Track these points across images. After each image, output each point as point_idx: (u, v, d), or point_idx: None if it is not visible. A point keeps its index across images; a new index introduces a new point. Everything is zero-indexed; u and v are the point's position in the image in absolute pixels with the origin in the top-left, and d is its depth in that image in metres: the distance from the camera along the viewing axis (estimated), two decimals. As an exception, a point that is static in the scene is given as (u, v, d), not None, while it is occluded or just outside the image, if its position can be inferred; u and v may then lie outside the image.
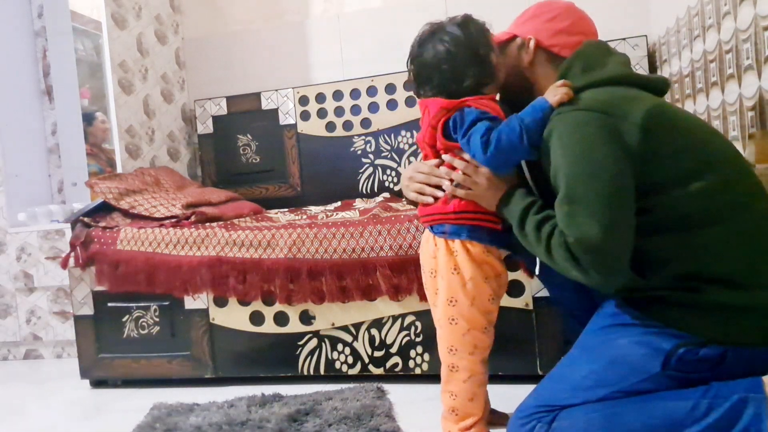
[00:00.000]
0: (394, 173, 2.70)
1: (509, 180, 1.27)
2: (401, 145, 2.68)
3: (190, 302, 2.00)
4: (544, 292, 1.71)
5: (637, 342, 1.09)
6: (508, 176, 1.27)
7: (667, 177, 1.07)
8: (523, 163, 1.32)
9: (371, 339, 1.86)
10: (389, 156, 2.69)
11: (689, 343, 1.04)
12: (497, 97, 1.35)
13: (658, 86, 1.21)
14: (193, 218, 2.11)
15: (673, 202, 1.07)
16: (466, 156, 1.27)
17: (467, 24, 1.29)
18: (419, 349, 1.82)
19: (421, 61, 1.31)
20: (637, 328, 1.10)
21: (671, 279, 1.08)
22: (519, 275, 1.72)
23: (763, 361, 1.03)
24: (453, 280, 1.29)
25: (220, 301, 1.98)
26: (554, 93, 1.16)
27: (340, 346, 1.89)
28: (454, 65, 1.26)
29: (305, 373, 1.91)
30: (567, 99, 1.15)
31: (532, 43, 1.28)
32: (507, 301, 1.71)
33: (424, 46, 1.31)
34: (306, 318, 1.91)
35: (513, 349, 1.74)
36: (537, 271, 1.32)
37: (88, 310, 2.09)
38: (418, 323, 1.82)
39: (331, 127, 2.78)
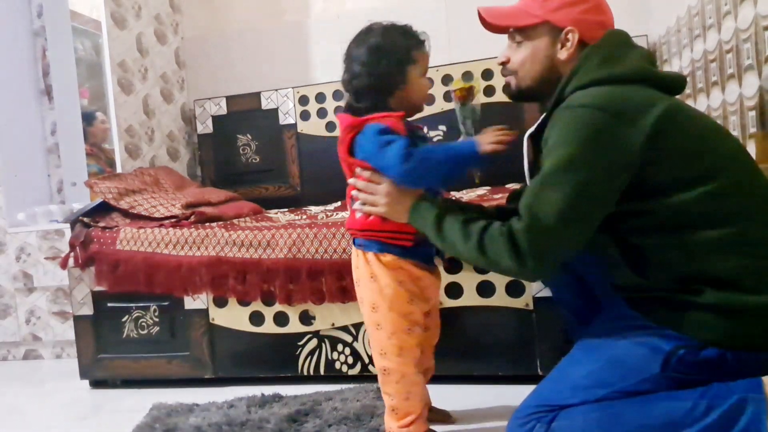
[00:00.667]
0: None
1: (412, 193, 1.27)
2: (401, 145, 2.68)
3: (190, 302, 2.00)
4: (545, 293, 1.71)
5: (637, 343, 1.09)
6: (412, 190, 1.28)
7: (673, 180, 1.06)
8: (525, 167, 1.30)
9: (371, 339, 1.86)
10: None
11: (689, 345, 1.04)
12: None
13: (676, 85, 1.17)
14: (192, 218, 2.10)
15: (678, 204, 1.06)
16: (366, 174, 1.30)
17: (390, 35, 1.34)
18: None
19: (345, 53, 1.37)
20: (638, 329, 1.10)
21: (673, 280, 1.08)
22: (519, 275, 1.72)
23: (764, 364, 1.03)
24: (372, 288, 1.34)
25: (220, 302, 1.97)
26: (489, 139, 1.22)
27: (340, 347, 1.89)
28: (358, 66, 1.31)
29: (305, 373, 1.91)
30: (500, 149, 1.21)
31: (574, 37, 1.18)
32: (507, 301, 1.71)
33: (352, 41, 1.37)
34: (306, 318, 1.91)
35: (513, 349, 1.74)
36: None
37: (87, 310, 2.09)
38: (418, 323, 1.81)
39: (331, 126, 2.77)
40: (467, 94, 1.48)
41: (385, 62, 1.30)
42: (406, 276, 1.33)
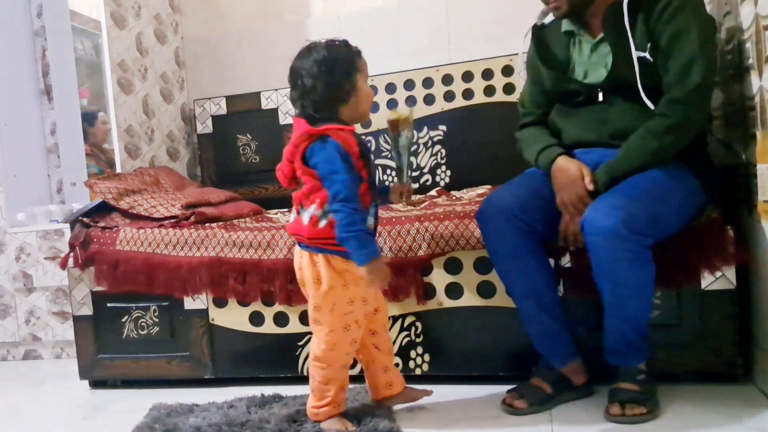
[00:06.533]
0: (394, 173, 2.69)
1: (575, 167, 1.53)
2: (401, 145, 2.67)
3: (190, 303, 1.99)
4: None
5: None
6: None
7: None
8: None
9: (371, 339, 1.85)
10: (389, 156, 2.68)
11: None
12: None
13: None
14: (192, 218, 2.10)
15: None
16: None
17: (336, 46, 1.44)
18: (419, 349, 1.82)
19: (291, 71, 1.48)
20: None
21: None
22: (519, 276, 1.72)
23: None
24: (316, 289, 1.45)
25: (220, 302, 1.97)
26: (380, 277, 1.40)
27: (340, 347, 1.88)
28: (310, 79, 1.41)
29: (305, 373, 1.90)
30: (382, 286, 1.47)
31: None
32: (507, 301, 1.71)
33: (297, 60, 1.47)
34: (306, 318, 1.90)
35: (513, 349, 1.74)
36: None
37: (87, 310, 2.09)
38: (418, 324, 1.81)
39: (330, 126, 2.77)
40: (404, 124, 1.58)
41: (336, 72, 1.41)
42: (351, 277, 1.44)
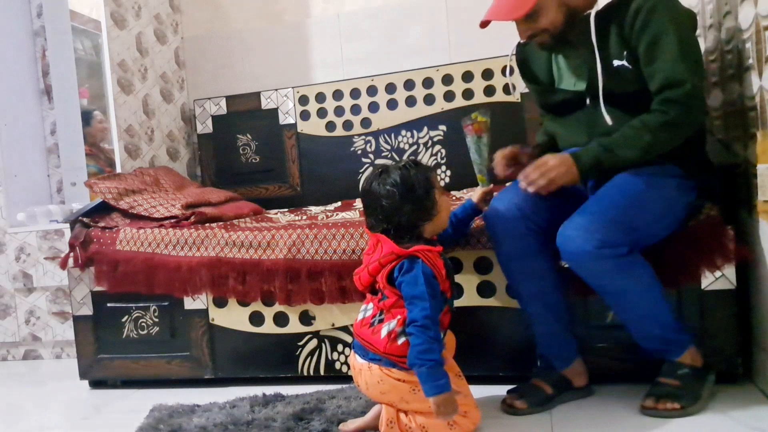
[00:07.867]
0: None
1: (565, 156, 1.48)
2: (401, 145, 2.68)
3: (190, 303, 1.99)
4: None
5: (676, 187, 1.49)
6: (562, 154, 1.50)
7: None
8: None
9: (371, 339, 1.85)
10: (389, 156, 2.68)
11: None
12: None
13: None
14: (192, 218, 2.10)
15: None
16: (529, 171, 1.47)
17: (409, 168, 1.43)
18: (419, 349, 1.81)
19: (368, 195, 1.46)
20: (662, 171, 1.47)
21: None
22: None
23: None
24: (414, 399, 1.39)
25: (220, 302, 1.97)
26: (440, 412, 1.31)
27: (340, 347, 1.89)
28: (392, 202, 1.40)
29: (305, 373, 1.91)
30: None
31: None
32: (507, 301, 1.71)
33: (371, 184, 1.45)
34: (306, 318, 1.90)
35: (513, 349, 1.74)
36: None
37: (87, 310, 2.09)
38: (418, 324, 1.81)
39: (331, 126, 2.77)
40: (485, 128, 1.58)
41: (417, 194, 1.40)
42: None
